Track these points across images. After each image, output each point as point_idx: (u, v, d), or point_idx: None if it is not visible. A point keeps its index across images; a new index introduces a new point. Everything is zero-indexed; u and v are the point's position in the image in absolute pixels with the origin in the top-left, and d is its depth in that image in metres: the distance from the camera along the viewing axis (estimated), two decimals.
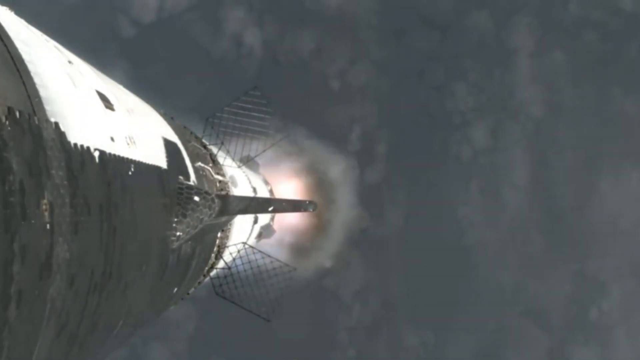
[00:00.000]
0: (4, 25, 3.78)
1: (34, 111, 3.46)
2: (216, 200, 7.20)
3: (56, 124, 3.70)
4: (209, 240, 9.66)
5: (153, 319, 8.19)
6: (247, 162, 15.15)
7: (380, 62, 35.42)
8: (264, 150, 15.28)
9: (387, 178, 35.48)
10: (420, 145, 35.83)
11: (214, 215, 7.21)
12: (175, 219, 6.53)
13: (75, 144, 3.91)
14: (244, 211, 9.24)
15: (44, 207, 3.24)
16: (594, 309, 36.10)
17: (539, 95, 35.59)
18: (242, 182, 14.55)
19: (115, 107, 5.59)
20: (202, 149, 11.62)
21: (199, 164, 9.56)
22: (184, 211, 6.64)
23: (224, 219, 9.19)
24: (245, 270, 13.46)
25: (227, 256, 11.75)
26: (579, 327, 36.06)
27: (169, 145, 7.34)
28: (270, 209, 11.29)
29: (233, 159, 13.67)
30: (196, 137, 11.83)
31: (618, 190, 35.82)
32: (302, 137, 30.96)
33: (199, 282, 10.85)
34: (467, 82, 35.47)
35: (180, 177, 7.17)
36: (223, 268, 11.82)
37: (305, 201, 13.43)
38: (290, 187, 27.53)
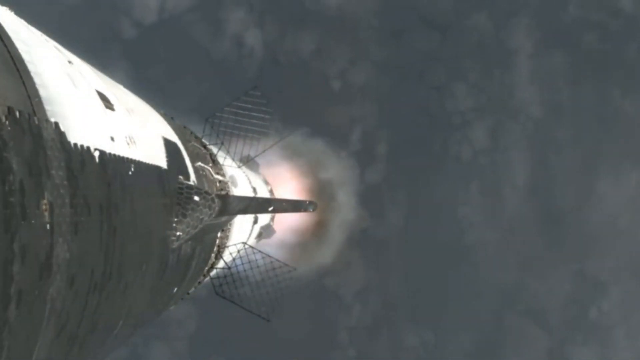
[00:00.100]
0: (4, 25, 3.78)
1: (34, 111, 3.46)
2: (216, 200, 7.20)
3: (56, 124, 3.70)
4: (209, 240, 9.66)
5: (153, 319, 8.19)
6: (247, 162, 15.14)
7: (381, 62, 35.45)
8: (264, 151, 15.29)
9: (387, 178, 35.51)
10: (420, 146, 35.84)
11: (214, 215, 7.21)
12: (175, 219, 6.53)
13: (75, 144, 3.91)
14: (244, 211, 9.24)
15: (44, 207, 3.24)
16: (594, 309, 36.14)
17: (539, 95, 35.64)
18: (242, 182, 14.54)
19: (115, 107, 5.59)
20: (202, 149, 11.62)
21: (199, 163, 9.56)
22: (184, 211, 6.64)
23: (224, 219, 9.19)
24: (245, 270, 13.47)
25: (227, 256, 11.75)
26: (579, 327, 36.08)
27: (169, 145, 7.34)
28: (270, 209, 11.31)
29: (233, 159, 13.67)
30: (196, 137, 11.83)
31: (618, 190, 35.84)
32: (303, 137, 30.97)
33: (199, 282, 10.85)
34: (467, 83, 35.51)
35: (180, 177, 7.17)
36: (223, 268, 11.82)
37: (305, 201, 13.45)
38: (290, 187, 27.53)
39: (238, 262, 13.27)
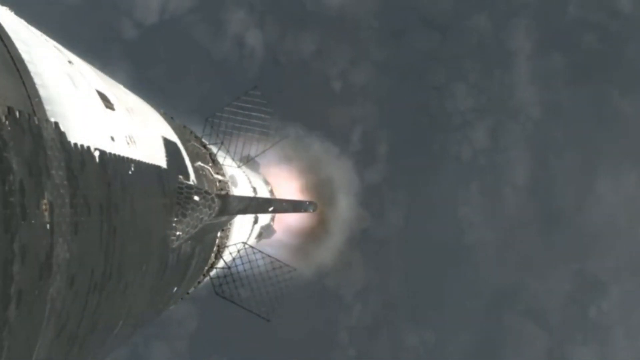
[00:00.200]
0: (4, 25, 3.78)
1: (34, 111, 3.46)
2: (216, 200, 7.20)
3: (56, 123, 3.70)
4: (208, 240, 9.66)
5: (153, 319, 8.19)
6: (247, 162, 15.14)
7: (381, 62, 35.47)
8: (264, 150, 15.28)
9: (388, 178, 35.52)
10: (420, 146, 35.86)
11: (213, 215, 7.21)
12: (175, 219, 6.53)
13: (75, 144, 3.91)
14: (244, 211, 9.24)
15: (44, 207, 3.24)
16: (594, 309, 36.15)
17: (538, 96, 35.65)
18: (242, 182, 14.54)
19: (115, 106, 5.59)
20: (202, 148, 11.62)
21: (199, 163, 9.57)
22: (184, 211, 6.64)
23: (223, 218, 9.19)
24: (245, 270, 13.47)
25: (227, 256, 11.75)
26: (579, 326, 36.09)
27: (168, 145, 7.34)
28: (270, 209, 11.30)
29: (233, 159, 13.66)
30: (196, 137, 11.83)
31: (617, 190, 35.85)
32: (303, 137, 30.98)
33: (199, 282, 10.85)
34: (467, 83, 35.53)
35: (180, 177, 7.17)
36: (223, 268, 11.82)
37: (305, 201, 13.45)
38: (290, 187, 27.53)
39: (238, 262, 13.27)
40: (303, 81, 34.52)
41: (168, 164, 6.75)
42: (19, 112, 3.17)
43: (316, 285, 32.46)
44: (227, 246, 11.62)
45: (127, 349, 29.29)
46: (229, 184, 11.91)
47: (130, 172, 5.02)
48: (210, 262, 10.68)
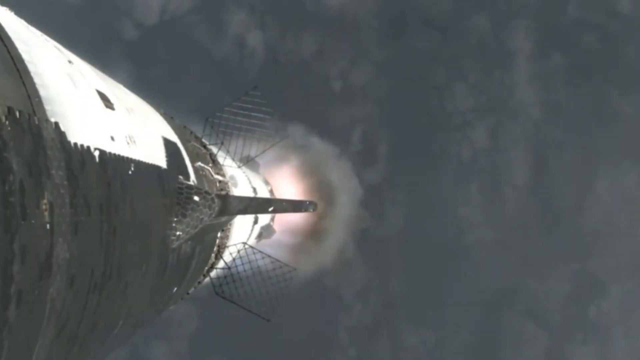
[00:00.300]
0: (4, 25, 3.78)
1: (34, 111, 3.46)
2: (216, 200, 7.20)
3: (56, 123, 3.70)
4: (208, 240, 9.66)
5: (153, 319, 8.19)
6: (247, 162, 15.14)
7: (381, 62, 35.48)
8: (264, 151, 15.29)
9: (388, 178, 35.53)
10: (420, 146, 35.86)
11: (213, 215, 7.21)
12: (175, 219, 6.52)
13: (75, 144, 3.91)
14: (244, 211, 9.24)
15: (44, 207, 3.23)
16: (593, 309, 36.15)
17: (538, 96, 35.66)
18: (242, 182, 14.54)
19: (115, 106, 5.59)
20: (202, 148, 11.62)
21: (199, 163, 9.56)
22: (184, 211, 6.64)
23: (224, 219, 9.19)
24: (245, 270, 13.46)
25: (227, 256, 11.75)
26: (579, 326, 36.09)
27: (168, 145, 7.34)
28: (270, 209, 11.30)
29: (233, 159, 13.66)
30: (196, 137, 11.83)
31: (617, 190, 35.85)
32: (303, 137, 30.98)
33: (199, 282, 10.85)
34: (467, 83, 35.53)
35: (180, 177, 7.17)
36: (223, 268, 11.82)
37: (305, 201, 13.46)
38: (290, 187, 27.53)
39: (238, 262, 13.26)
40: (303, 81, 34.54)
41: (168, 164, 6.75)
42: (19, 112, 3.17)
43: (316, 285, 32.48)
44: (227, 246, 11.62)
45: (127, 349, 29.30)
46: (229, 184, 11.91)
47: (130, 172, 5.02)
48: (210, 262, 10.68)
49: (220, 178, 11.05)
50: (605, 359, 35.85)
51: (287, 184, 27.27)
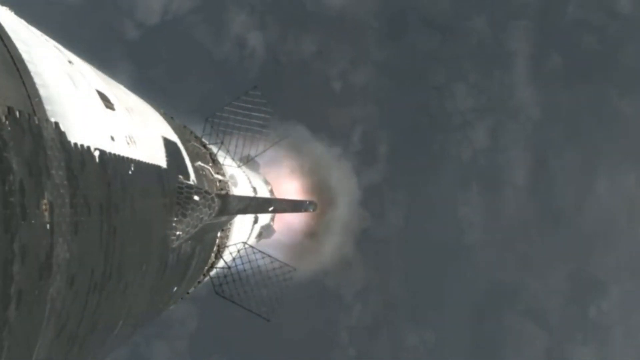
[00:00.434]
0: (4, 25, 3.78)
1: (34, 111, 3.46)
2: (216, 200, 7.20)
3: (56, 123, 3.70)
4: (208, 239, 9.66)
5: (153, 319, 8.19)
6: (248, 161, 15.14)
7: (381, 63, 35.49)
8: (264, 150, 15.28)
9: (388, 178, 35.53)
10: (420, 146, 35.86)
11: (213, 215, 7.21)
12: (175, 219, 6.52)
13: (75, 144, 3.90)
14: (244, 211, 9.24)
15: (44, 207, 3.23)
16: (593, 309, 36.16)
17: (538, 96, 35.67)
18: (242, 181, 14.54)
19: (115, 106, 5.59)
20: (202, 148, 11.61)
21: (199, 163, 9.56)
22: (184, 211, 6.64)
23: (223, 218, 9.19)
24: (245, 270, 13.46)
25: (227, 256, 11.74)
26: (578, 326, 36.10)
27: (168, 145, 7.33)
28: (270, 209, 11.30)
29: (233, 159, 13.66)
30: (196, 137, 11.82)
31: (617, 190, 35.86)
32: (303, 137, 30.99)
33: (199, 282, 10.84)
34: (467, 83, 35.54)
35: (180, 177, 7.17)
36: (223, 268, 11.81)
37: (305, 201, 13.45)
38: (290, 187, 27.53)
39: (238, 261, 13.26)
40: (303, 81, 34.55)
41: (168, 164, 6.75)
42: (19, 112, 3.17)
43: (316, 285, 32.48)
44: (227, 246, 11.61)
45: (127, 349, 29.29)
46: (229, 183, 11.91)
47: (130, 172, 5.02)
48: (210, 262, 10.68)
49: (220, 177, 11.05)
50: (605, 359, 35.87)
51: (287, 183, 27.28)
